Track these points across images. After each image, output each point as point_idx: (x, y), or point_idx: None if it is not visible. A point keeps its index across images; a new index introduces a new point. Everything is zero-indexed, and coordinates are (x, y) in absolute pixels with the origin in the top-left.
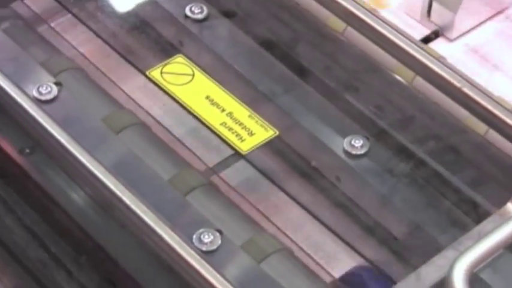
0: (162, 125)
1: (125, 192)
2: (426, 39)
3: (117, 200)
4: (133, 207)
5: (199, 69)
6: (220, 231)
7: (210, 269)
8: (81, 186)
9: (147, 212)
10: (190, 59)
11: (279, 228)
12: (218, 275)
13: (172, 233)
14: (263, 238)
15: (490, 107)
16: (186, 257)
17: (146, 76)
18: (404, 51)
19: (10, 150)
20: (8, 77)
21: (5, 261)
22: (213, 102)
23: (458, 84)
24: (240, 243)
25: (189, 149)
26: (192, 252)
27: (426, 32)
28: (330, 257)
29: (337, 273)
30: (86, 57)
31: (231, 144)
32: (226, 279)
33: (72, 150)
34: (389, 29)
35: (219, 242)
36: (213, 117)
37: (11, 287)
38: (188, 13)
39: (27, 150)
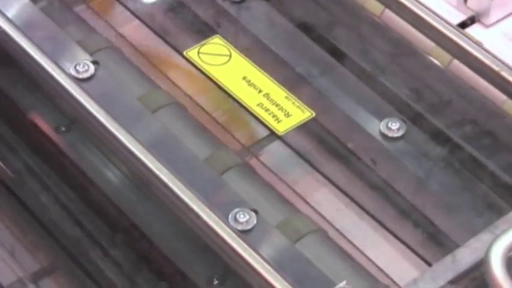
0: (199, 105)
1: (162, 170)
2: (462, 25)
3: (154, 177)
4: (170, 185)
5: (236, 50)
6: (255, 211)
7: (247, 247)
8: (117, 164)
9: (185, 190)
10: (227, 39)
11: (314, 209)
12: (254, 254)
13: (210, 211)
14: (298, 219)
15: None
16: (222, 235)
17: (183, 56)
18: (442, 34)
19: (46, 128)
20: (46, 55)
21: (41, 238)
22: (250, 83)
23: (496, 68)
24: (275, 224)
25: (226, 129)
26: (229, 230)
27: (462, 17)
28: (365, 239)
29: (372, 254)
30: (123, 37)
31: (268, 125)
32: (263, 258)
33: (110, 128)
34: (427, 11)
35: (255, 221)
36: (250, 98)
37: (47, 264)
38: None
39: (63, 129)
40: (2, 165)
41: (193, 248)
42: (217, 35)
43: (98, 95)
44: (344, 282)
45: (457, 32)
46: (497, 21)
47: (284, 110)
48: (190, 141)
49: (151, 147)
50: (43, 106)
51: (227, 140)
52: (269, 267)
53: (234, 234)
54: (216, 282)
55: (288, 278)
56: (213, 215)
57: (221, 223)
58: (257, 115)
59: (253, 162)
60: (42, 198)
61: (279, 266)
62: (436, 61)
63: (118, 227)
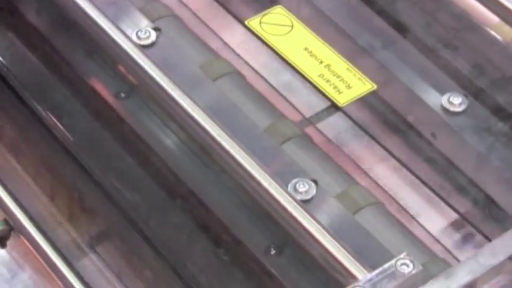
0: (259, 75)
1: (224, 137)
2: None
3: (216, 144)
4: (232, 152)
5: (298, 20)
6: (315, 182)
7: (308, 216)
8: (177, 131)
9: (246, 158)
10: (289, 10)
11: (373, 182)
12: (315, 223)
13: (271, 180)
14: (357, 191)
15: None
16: (283, 203)
17: (245, 26)
18: (506, 9)
19: (106, 94)
20: (109, 20)
21: (99, 203)
22: (312, 54)
23: None
24: (334, 195)
25: (286, 99)
26: (290, 199)
27: None
28: (423, 213)
29: (430, 228)
30: (184, 5)
31: (328, 96)
32: (324, 228)
33: (172, 94)
34: None
35: (314, 192)
36: (311, 69)
37: (105, 227)
38: None
39: (123, 95)
40: (62, 129)
41: (251, 216)
42: (280, 6)
43: (159, 61)
44: (404, 253)
45: None
46: None
47: (345, 82)
48: (250, 110)
49: (212, 115)
50: (103, 72)
51: (287, 110)
52: (330, 237)
53: (294, 203)
54: (273, 252)
55: (349, 248)
56: (274, 184)
57: (282, 192)
58: (318, 86)
59: (312, 133)
60: (102, 163)
61: (338, 237)
62: (499, 36)
63: (177, 193)
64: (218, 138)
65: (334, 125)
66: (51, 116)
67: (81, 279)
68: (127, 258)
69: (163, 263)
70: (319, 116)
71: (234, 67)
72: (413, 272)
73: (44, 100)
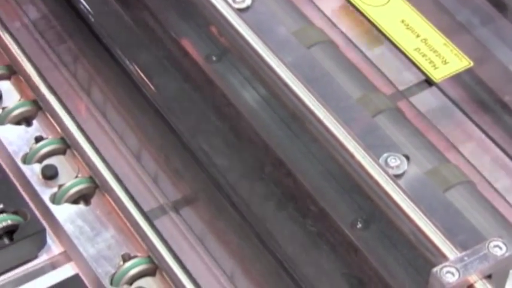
0: (354, 45)
1: (317, 106)
2: None
3: (309, 113)
4: (326, 122)
5: None
6: (407, 157)
7: (400, 191)
8: (267, 97)
9: (340, 129)
10: None
11: (465, 160)
12: (407, 198)
13: (364, 152)
14: (448, 168)
15: None
16: (376, 177)
17: None
18: None
19: (197, 56)
20: None
21: (186, 166)
22: (408, 27)
23: None
24: (424, 171)
25: (379, 71)
26: (382, 173)
27: None
28: None
29: None
30: None
31: (424, 70)
32: (416, 204)
33: (267, 59)
34: None
35: (405, 167)
36: (407, 42)
37: (190, 191)
38: None
39: (214, 58)
40: (152, 89)
41: (339, 189)
42: None
43: (254, 26)
44: (497, 236)
45: None
46: None
47: (441, 57)
48: (342, 80)
49: (306, 83)
50: (195, 34)
51: (380, 82)
52: (421, 214)
53: (387, 177)
54: (359, 225)
55: (440, 226)
56: (368, 156)
57: (375, 165)
58: (413, 60)
59: (404, 107)
60: (190, 126)
61: (429, 213)
62: None
63: (265, 161)
64: (311, 106)
65: (427, 100)
66: (142, 75)
67: (163, 240)
68: (211, 223)
69: (248, 230)
70: (412, 90)
71: (328, 36)
72: (506, 254)
73: (135, 59)
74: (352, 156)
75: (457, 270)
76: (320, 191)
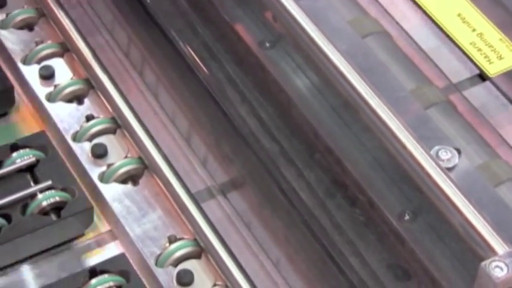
0: (408, 36)
1: (371, 96)
2: None
3: (362, 102)
4: (379, 111)
5: None
6: (458, 150)
7: (451, 184)
8: (319, 85)
9: (392, 119)
10: None
11: None
12: (458, 192)
13: (416, 144)
14: (498, 164)
15: None
16: (428, 169)
17: None
18: None
19: (250, 42)
20: None
21: (235, 150)
22: (464, 21)
23: None
24: (475, 165)
25: (433, 64)
26: (434, 165)
27: None
28: None
29: None
30: None
31: (478, 65)
32: (466, 197)
33: (322, 47)
34: None
35: (456, 160)
36: (463, 36)
37: (239, 175)
38: None
39: (267, 45)
40: (205, 72)
41: (388, 179)
42: None
43: (310, 13)
44: None
45: None
46: None
47: (497, 52)
48: (396, 71)
49: (360, 72)
50: (250, 20)
51: (433, 75)
52: (471, 208)
53: (439, 170)
54: (407, 217)
55: (490, 221)
56: (420, 148)
57: (427, 157)
58: (468, 53)
59: (457, 100)
60: (242, 110)
61: (479, 207)
62: None
63: (315, 148)
64: (365, 95)
65: (480, 95)
66: (195, 58)
67: (210, 224)
68: (258, 208)
69: (295, 217)
70: (465, 84)
71: (383, 26)
72: None
73: (189, 42)
74: (403, 147)
75: (506, 265)
76: (369, 181)
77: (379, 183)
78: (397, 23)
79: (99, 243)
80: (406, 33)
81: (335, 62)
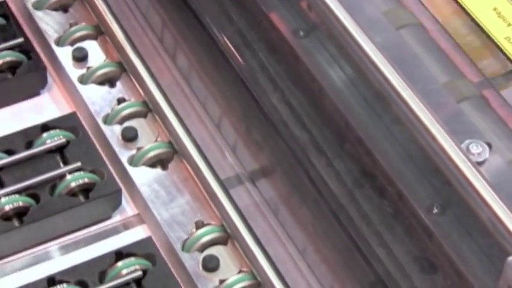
0: (443, 29)
1: (403, 87)
2: None
3: (395, 93)
4: (410, 103)
5: None
6: (489, 145)
7: (481, 178)
8: (351, 75)
9: (424, 111)
10: None
11: None
12: (488, 186)
13: (447, 137)
14: None
15: None
16: (458, 163)
17: None
18: None
19: (284, 30)
20: None
21: (266, 138)
22: (500, 15)
23: None
24: (506, 160)
25: (468, 58)
26: (464, 158)
27: None
28: None
29: None
30: None
31: None
32: (496, 192)
33: (356, 37)
34: None
35: (487, 155)
36: (498, 30)
37: (268, 163)
38: None
39: (301, 33)
40: (238, 58)
41: (417, 172)
42: None
43: (344, 3)
44: None
45: None
46: None
47: None
48: (429, 64)
49: (393, 63)
50: (284, 8)
51: (467, 69)
52: (501, 203)
53: (469, 164)
54: (435, 211)
55: None
56: (450, 141)
57: (457, 150)
58: (503, 48)
59: (490, 95)
60: (273, 98)
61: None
62: None
63: (345, 138)
64: (397, 86)
65: None
66: (228, 44)
67: (237, 210)
68: (287, 196)
69: (323, 206)
70: (499, 79)
71: (418, 18)
72: None
73: (223, 29)
74: (434, 139)
75: None
76: (398, 173)
77: (409, 175)
78: (432, 15)
79: (126, 226)
80: (441, 26)
81: (368, 52)
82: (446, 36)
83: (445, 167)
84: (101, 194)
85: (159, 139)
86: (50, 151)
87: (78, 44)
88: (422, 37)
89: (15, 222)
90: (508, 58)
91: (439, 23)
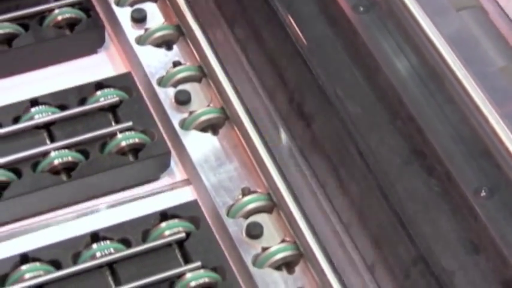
0: (504, 13)
1: (460, 68)
2: None
3: (451, 74)
4: (465, 84)
5: None
6: None
7: None
8: (408, 53)
9: (478, 93)
10: None
11: None
12: None
13: (500, 120)
14: None
15: None
16: (509, 146)
17: None
18: None
19: (345, 5)
20: None
21: (319, 108)
22: None
23: None
24: None
25: None
26: None
27: None
28: None
29: None
30: None
31: None
32: None
33: (416, 16)
34: None
35: None
36: None
37: (319, 135)
38: None
39: (361, 9)
40: (297, 31)
41: (468, 153)
42: None
43: None
44: None
45: None
46: None
47: None
48: (487, 47)
49: (451, 44)
50: None
51: None
52: None
53: None
54: (483, 194)
55: None
56: (502, 124)
57: (509, 134)
58: None
59: None
60: (329, 71)
61: None
62: None
63: (398, 115)
64: (454, 67)
65: None
66: (287, 15)
67: (285, 180)
68: (335, 170)
69: (371, 181)
70: None
71: (479, 1)
72: None
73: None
74: (486, 121)
75: None
76: (448, 153)
77: (459, 156)
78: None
79: (173, 189)
80: (503, 10)
81: (427, 30)
82: (507, 21)
83: (496, 150)
84: (150, 155)
85: (211, 104)
86: (103, 109)
87: (138, 6)
88: (482, 20)
89: (64, 177)
90: None
91: (500, 7)
